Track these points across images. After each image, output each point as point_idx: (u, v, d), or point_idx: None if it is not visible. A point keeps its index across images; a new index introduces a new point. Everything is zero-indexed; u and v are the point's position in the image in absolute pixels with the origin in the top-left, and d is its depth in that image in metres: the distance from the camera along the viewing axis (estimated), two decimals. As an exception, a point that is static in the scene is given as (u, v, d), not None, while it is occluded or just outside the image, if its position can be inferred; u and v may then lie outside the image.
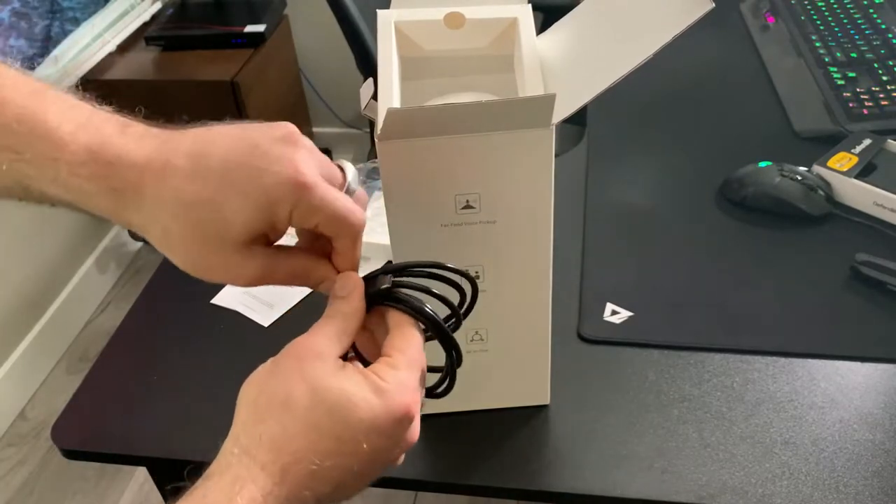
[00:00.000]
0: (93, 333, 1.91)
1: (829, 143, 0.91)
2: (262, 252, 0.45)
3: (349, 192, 0.46)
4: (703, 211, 0.88)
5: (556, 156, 0.53)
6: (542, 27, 0.59)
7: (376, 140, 0.51)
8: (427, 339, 0.46)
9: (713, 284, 0.78)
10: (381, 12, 0.59)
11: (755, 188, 0.86)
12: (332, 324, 0.44)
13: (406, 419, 0.42)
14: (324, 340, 0.43)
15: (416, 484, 0.66)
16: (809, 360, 0.70)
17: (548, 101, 0.48)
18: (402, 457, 0.45)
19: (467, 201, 0.54)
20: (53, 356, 1.84)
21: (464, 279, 0.46)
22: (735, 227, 0.85)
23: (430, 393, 0.48)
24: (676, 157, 0.97)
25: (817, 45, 1.10)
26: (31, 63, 1.69)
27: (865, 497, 0.59)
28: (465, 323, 0.59)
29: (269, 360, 0.43)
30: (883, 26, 1.11)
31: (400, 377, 0.42)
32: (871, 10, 1.15)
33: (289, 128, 0.44)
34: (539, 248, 0.57)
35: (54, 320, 1.83)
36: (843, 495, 0.60)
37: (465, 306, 0.48)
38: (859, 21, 1.13)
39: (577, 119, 0.91)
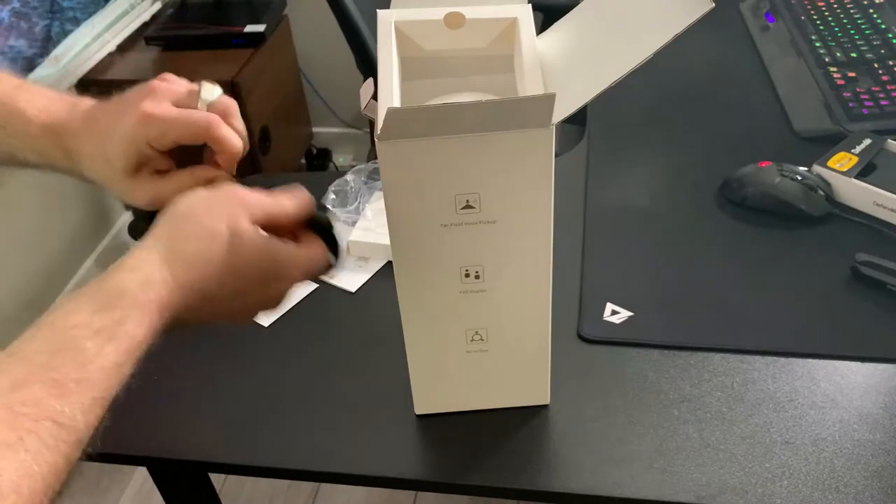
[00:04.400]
0: (93, 333, 1.91)
1: (829, 143, 0.91)
2: (148, 178, 0.57)
3: (208, 106, 0.56)
4: (703, 211, 0.88)
5: (556, 156, 0.53)
6: (542, 27, 0.60)
7: (376, 140, 0.51)
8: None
9: (713, 284, 0.78)
10: (381, 12, 0.60)
11: (755, 188, 0.86)
12: (268, 202, 0.53)
13: (290, 278, 0.54)
14: (256, 204, 0.52)
15: (416, 484, 0.66)
16: (809, 360, 0.70)
17: (548, 101, 0.48)
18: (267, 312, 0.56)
19: (467, 201, 0.54)
20: (53, 356, 1.84)
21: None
22: (735, 227, 0.85)
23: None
24: (676, 157, 0.97)
25: (817, 45, 1.10)
26: (30, 63, 1.69)
27: (865, 497, 0.59)
28: (466, 323, 0.61)
29: (205, 192, 0.52)
30: (883, 26, 1.11)
31: (311, 253, 0.55)
32: (871, 10, 1.15)
33: (151, 83, 0.56)
34: (539, 248, 0.57)
35: (54, 320, 1.83)
36: (843, 495, 0.60)
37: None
38: (859, 21, 1.13)
39: (577, 119, 0.91)
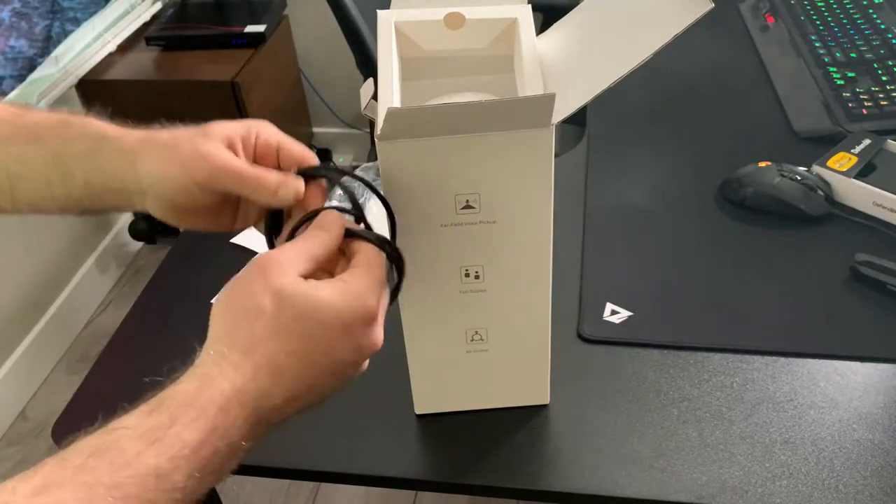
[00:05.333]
0: (93, 333, 1.91)
1: (828, 143, 0.91)
2: (230, 209, 0.54)
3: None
4: (702, 211, 0.88)
5: (556, 156, 0.53)
6: (542, 27, 0.60)
7: (376, 140, 0.51)
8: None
9: (713, 284, 0.78)
10: (381, 12, 0.60)
11: (755, 188, 0.86)
12: (303, 245, 0.47)
13: (369, 317, 0.46)
14: (290, 256, 0.46)
15: (416, 484, 0.66)
16: (809, 360, 0.70)
17: (548, 101, 0.49)
18: (367, 363, 0.49)
19: (467, 201, 0.54)
20: (53, 356, 1.84)
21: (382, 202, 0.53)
22: (735, 227, 0.85)
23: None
24: (676, 157, 0.97)
25: (817, 45, 1.10)
26: (31, 63, 1.69)
27: (865, 497, 0.59)
28: (466, 323, 0.61)
29: (237, 276, 0.46)
30: (882, 26, 1.11)
31: (363, 281, 0.46)
32: (871, 11, 1.15)
33: (209, 128, 0.52)
34: (539, 248, 0.57)
35: (54, 320, 1.83)
36: (843, 495, 0.60)
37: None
38: (859, 21, 1.13)
39: (577, 119, 0.91)
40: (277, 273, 0.44)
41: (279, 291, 0.44)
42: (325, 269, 0.49)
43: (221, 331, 0.45)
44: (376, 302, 0.46)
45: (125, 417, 0.41)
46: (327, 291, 0.45)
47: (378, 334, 0.47)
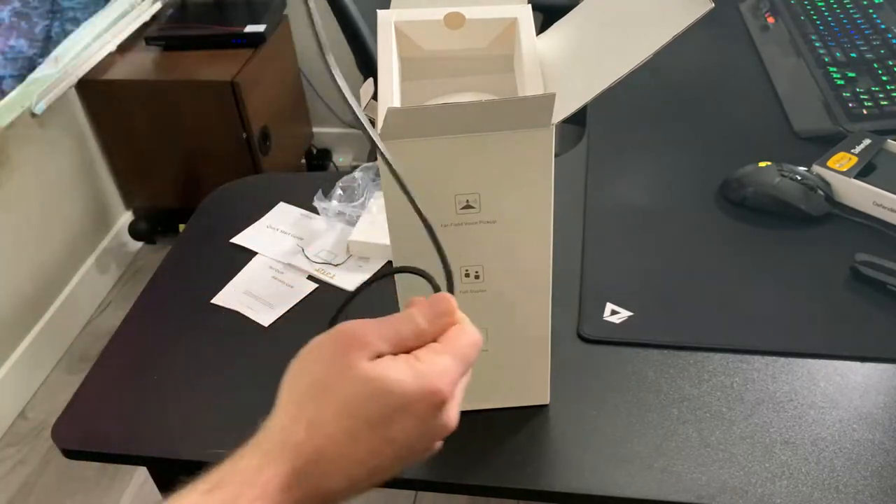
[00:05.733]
0: (93, 333, 1.91)
1: (828, 143, 0.91)
2: None
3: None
4: (703, 211, 0.88)
5: (556, 156, 0.53)
6: (542, 27, 0.60)
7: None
8: None
9: (713, 284, 0.78)
10: (381, 12, 0.60)
11: (755, 188, 0.86)
12: (395, 328, 0.44)
13: (438, 401, 0.42)
14: (377, 337, 0.43)
15: (416, 484, 0.66)
16: (809, 360, 0.70)
17: (548, 101, 0.48)
18: (440, 444, 0.45)
19: (467, 201, 0.54)
20: (53, 356, 1.84)
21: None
22: (735, 227, 0.85)
23: None
24: (676, 157, 0.97)
25: (817, 45, 1.10)
26: (31, 63, 1.69)
27: (865, 497, 0.59)
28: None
29: (317, 341, 0.44)
30: (883, 26, 1.11)
31: (440, 361, 0.43)
32: (871, 11, 1.15)
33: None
34: (539, 248, 0.57)
35: (54, 320, 1.83)
36: (843, 495, 0.60)
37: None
38: (859, 21, 1.13)
39: (577, 119, 0.91)
40: (358, 355, 0.42)
41: (355, 373, 0.41)
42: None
43: (289, 400, 0.43)
44: (449, 383, 0.43)
45: (185, 495, 0.40)
46: (399, 373, 0.42)
47: (449, 417, 0.44)
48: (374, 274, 0.49)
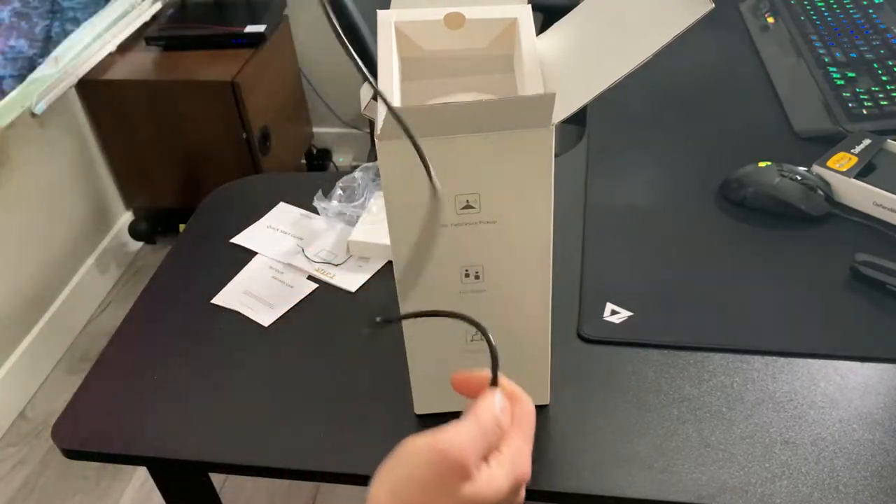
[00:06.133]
0: (93, 333, 1.91)
1: (828, 143, 0.91)
2: None
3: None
4: (703, 211, 0.88)
5: (556, 156, 0.53)
6: (542, 27, 0.60)
7: (376, 140, 0.51)
8: None
9: (713, 284, 0.78)
10: (381, 12, 0.60)
11: (755, 188, 0.86)
12: (487, 440, 0.43)
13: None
14: (476, 460, 0.42)
15: (416, 484, 0.66)
16: (809, 360, 0.70)
17: (548, 101, 0.48)
18: None
19: (467, 201, 0.54)
20: (53, 356, 1.85)
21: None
22: (735, 227, 0.85)
23: None
24: (676, 157, 0.97)
25: (817, 45, 1.10)
26: (31, 63, 1.69)
27: (865, 497, 0.59)
28: (465, 324, 0.60)
29: (406, 460, 0.42)
30: (882, 26, 1.11)
31: (523, 449, 0.44)
32: (871, 11, 1.15)
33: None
34: (539, 248, 0.57)
35: (54, 320, 1.83)
36: (843, 495, 0.60)
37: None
38: (859, 21, 1.13)
39: (577, 119, 0.91)
40: (458, 486, 0.40)
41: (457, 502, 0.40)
42: None
43: None
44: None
45: None
46: (500, 485, 0.42)
47: (480, 488, 0.42)
48: (428, 311, 0.47)
